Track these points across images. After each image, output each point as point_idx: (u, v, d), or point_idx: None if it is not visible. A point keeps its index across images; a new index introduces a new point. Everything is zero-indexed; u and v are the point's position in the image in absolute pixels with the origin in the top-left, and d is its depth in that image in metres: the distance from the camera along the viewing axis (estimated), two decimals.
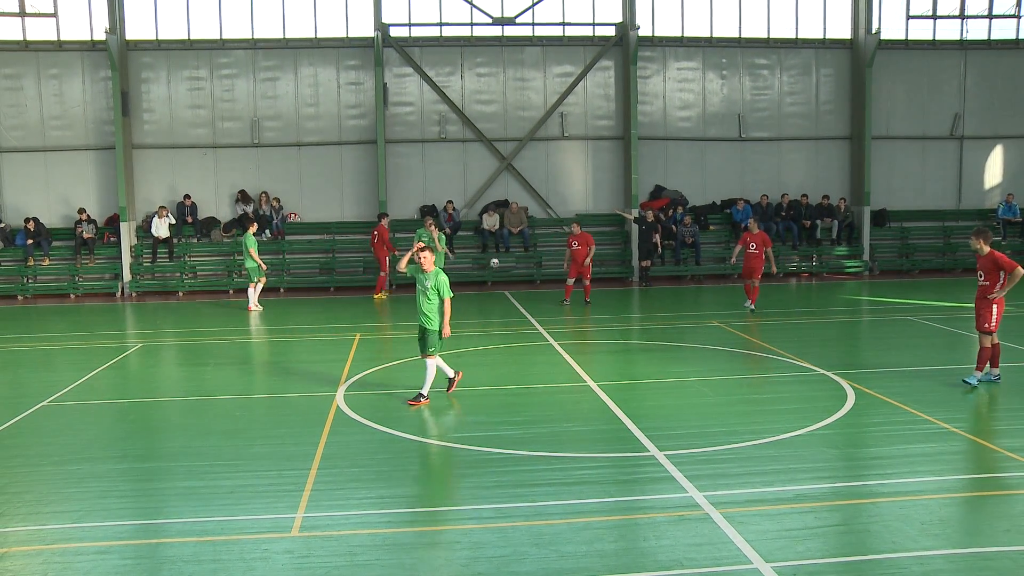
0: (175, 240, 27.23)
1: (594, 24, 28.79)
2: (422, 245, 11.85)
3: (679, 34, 29.05)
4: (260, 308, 22.43)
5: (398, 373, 14.43)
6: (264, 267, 22.75)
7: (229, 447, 10.33)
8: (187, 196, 27.53)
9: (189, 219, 27.49)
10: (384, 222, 24.68)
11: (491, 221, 27.91)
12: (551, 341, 16.94)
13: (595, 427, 11.04)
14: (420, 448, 10.14)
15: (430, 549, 7.36)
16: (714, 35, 29.20)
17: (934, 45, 29.91)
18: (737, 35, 29.30)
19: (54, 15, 27.39)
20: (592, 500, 8.38)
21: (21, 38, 27.30)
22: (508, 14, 28.44)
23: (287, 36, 28.06)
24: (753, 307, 20.37)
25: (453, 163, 28.75)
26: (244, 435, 10.88)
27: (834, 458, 9.75)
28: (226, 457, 9.93)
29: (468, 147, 28.78)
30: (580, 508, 8.15)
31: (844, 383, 12.88)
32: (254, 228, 22.86)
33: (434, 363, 12.01)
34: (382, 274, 24.70)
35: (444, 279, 11.78)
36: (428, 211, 28.17)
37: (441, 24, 28.39)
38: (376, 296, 24.53)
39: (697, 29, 29.16)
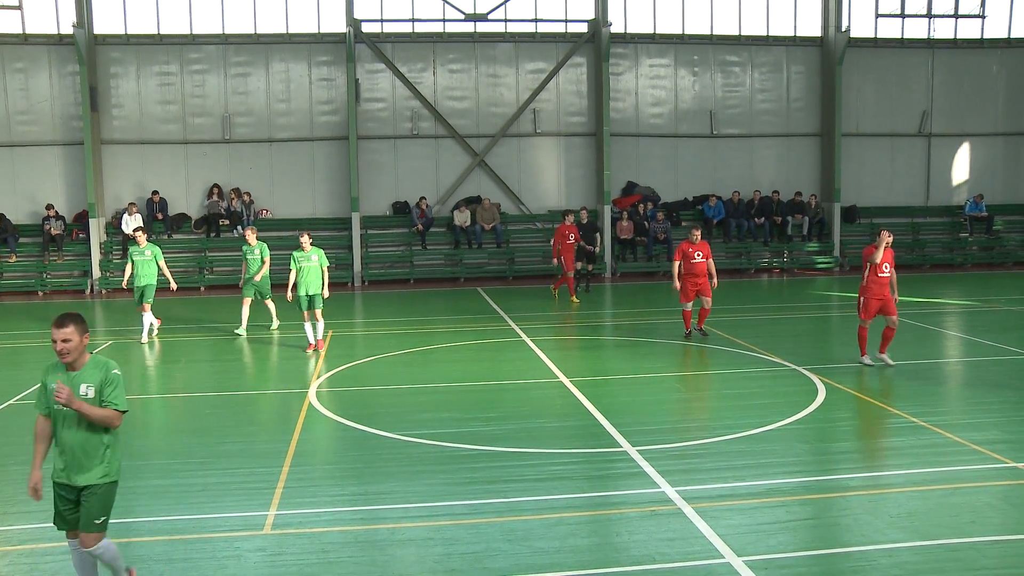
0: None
1: (566, 21, 28.79)
2: (66, 335, 5.79)
3: (651, 31, 29.13)
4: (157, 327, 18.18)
5: (370, 370, 14.39)
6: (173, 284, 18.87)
7: (200, 445, 10.25)
8: (155, 192, 27.22)
9: (159, 216, 27.20)
10: (568, 219, 22.23)
11: (463, 217, 27.86)
12: (524, 337, 16.95)
13: (568, 423, 11.07)
14: (392, 445, 10.11)
15: (403, 546, 7.35)
16: (686, 32, 29.29)
17: (902, 43, 30.21)
18: (709, 32, 29.42)
19: (19, 7, 26.91)
20: (564, 496, 8.40)
21: None
22: (480, 10, 28.38)
23: (258, 31, 27.82)
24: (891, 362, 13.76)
25: (425, 159, 28.65)
26: (215, 433, 10.81)
27: (805, 452, 9.85)
28: (197, 455, 9.85)
29: (440, 143, 28.70)
30: (553, 504, 8.17)
31: (815, 378, 12.99)
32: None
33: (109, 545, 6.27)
34: (568, 274, 22.11)
35: (116, 378, 5.99)
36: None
37: (413, 20, 28.27)
38: (572, 300, 22.16)
39: (669, 26, 29.25)
